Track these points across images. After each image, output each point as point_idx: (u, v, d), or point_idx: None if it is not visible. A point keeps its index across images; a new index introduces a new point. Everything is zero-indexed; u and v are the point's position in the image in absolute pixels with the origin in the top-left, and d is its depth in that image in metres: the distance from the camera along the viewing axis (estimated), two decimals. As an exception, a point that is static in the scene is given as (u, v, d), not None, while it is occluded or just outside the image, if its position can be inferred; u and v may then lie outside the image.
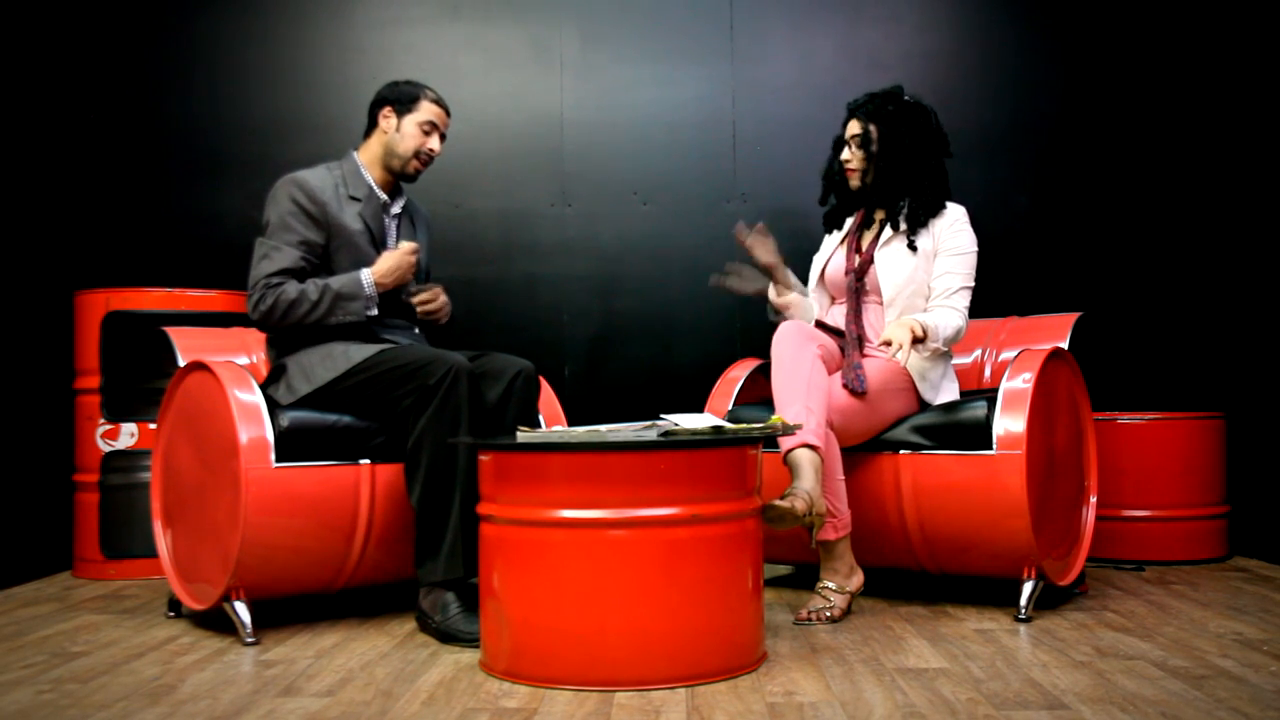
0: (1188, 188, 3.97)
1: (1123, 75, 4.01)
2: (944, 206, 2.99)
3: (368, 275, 2.83)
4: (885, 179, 2.98)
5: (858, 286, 3.00)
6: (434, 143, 2.95)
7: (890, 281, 2.94)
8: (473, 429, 2.62)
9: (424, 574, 2.61)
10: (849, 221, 3.13)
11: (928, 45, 4.06)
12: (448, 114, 2.99)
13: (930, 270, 2.96)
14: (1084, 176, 4.00)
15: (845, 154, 3.03)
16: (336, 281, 2.81)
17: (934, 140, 3.00)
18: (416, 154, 2.94)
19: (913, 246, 2.95)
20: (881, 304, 2.97)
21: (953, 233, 2.97)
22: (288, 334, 2.84)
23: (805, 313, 3.12)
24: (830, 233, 3.17)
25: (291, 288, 2.78)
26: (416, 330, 2.98)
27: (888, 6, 4.08)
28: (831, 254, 3.11)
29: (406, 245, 2.90)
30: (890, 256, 2.96)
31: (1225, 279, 3.92)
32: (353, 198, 2.89)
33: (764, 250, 3.08)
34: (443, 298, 2.98)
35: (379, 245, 2.93)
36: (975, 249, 2.99)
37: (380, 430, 2.73)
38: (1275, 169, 3.77)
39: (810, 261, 3.20)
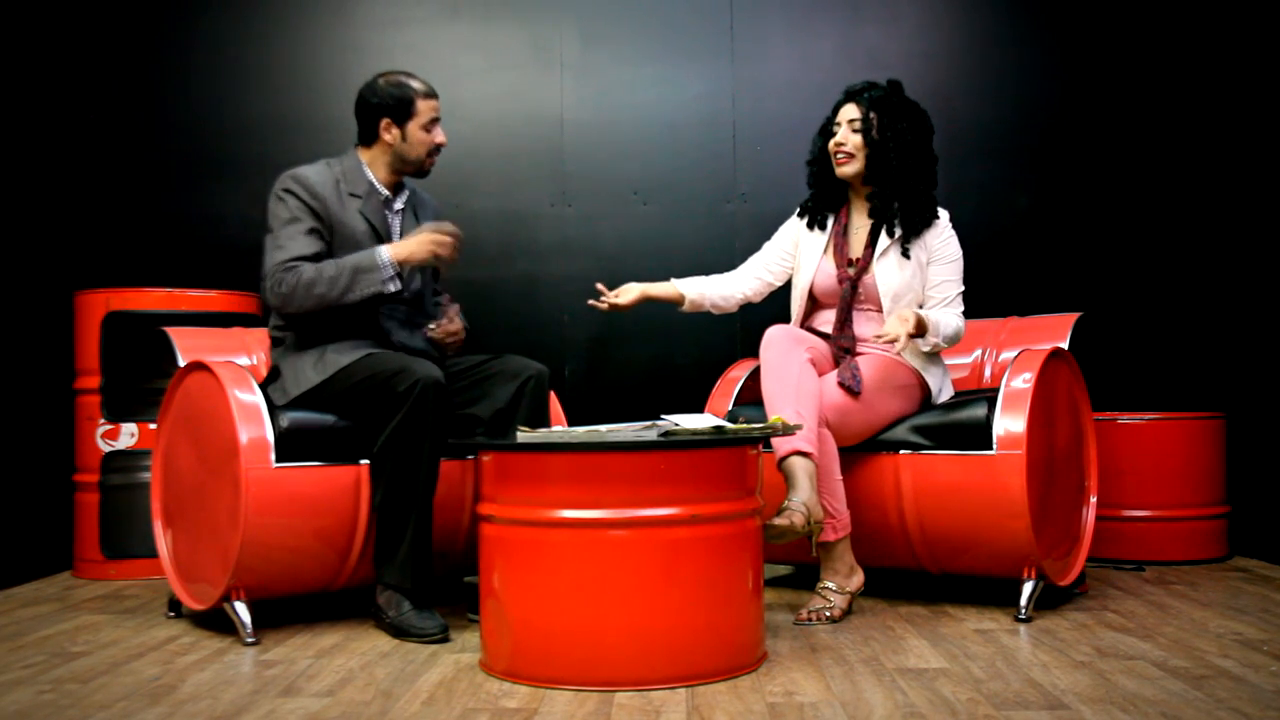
0: (1188, 187, 3.97)
1: (1122, 75, 4.00)
2: (936, 215, 2.97)
3: (383, 250, 2.79)
4: (881, 171, 2.91)
5: (853, 294, 2.95)
6: (439, 135, 2.95)
7: (889, 290, 2.91)
8: (441, 441, 2.64)
9: (382, 574, 2.66)
10: (830, 222, 3.05)
11: (928, 45, 4.06)
12: (437, 96, 2.97)
13: (924, 278, 2.94)
14: (1083, 176, 4.00)
15: (840, 136, 2.95)
16: (351, 258, 2.79)
17: (930, 144, 2.95)
18: (429, 152, 2.94)
19: (908, 254, 2.91)
20: (875, 311, 2.94)
21: (943, 241, 2.94)
22: (293, 333, 2.84)
23: (719, 295, 3.15)
24: (811, 228, 3.06)
25: (308, 268, 2.76)
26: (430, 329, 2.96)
27: (888, 6, 4.07)
28: (818, 264, 3.02)
29: (444, 225, 2.84)
30: (888, 266, 2.92)
31: (1225, 279, 3.92)
32: (353, 194, 2.89)
33: (626, 301, 3.11)
34: (459, 322, 2.94)
35: (383, 242, 2.92)
36: (962, 252, 2.98)
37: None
38: (1275, 169, 3.77)
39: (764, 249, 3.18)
